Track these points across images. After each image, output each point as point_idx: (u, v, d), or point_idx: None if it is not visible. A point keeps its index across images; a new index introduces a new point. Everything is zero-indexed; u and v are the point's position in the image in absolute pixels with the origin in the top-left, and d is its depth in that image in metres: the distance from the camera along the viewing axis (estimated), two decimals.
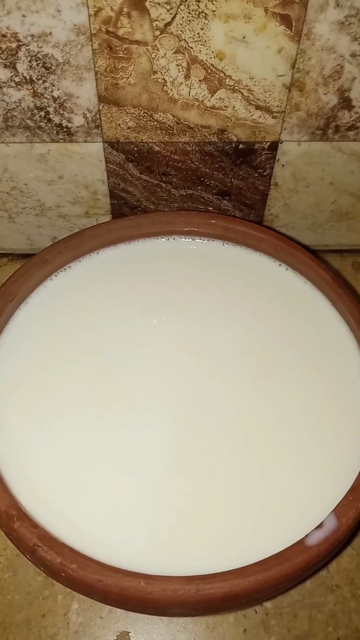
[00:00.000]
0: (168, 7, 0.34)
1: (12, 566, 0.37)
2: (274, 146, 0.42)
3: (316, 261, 0.40)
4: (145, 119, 0.40)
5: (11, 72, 0.37)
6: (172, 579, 0.28)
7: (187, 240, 0.44)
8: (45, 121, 0.40)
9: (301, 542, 0.29)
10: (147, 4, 0.34)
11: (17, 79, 0.37)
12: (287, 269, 0.42)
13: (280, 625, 0.36)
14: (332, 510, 0.30)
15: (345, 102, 0.40)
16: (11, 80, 0.37)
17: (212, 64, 0.37)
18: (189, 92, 0.39)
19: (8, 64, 0.37)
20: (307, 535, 0.29)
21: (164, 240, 0.43)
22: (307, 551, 0.29)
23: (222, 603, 0.29)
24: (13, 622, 0.36)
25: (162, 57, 0.37)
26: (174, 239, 0.44)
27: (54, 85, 0.38)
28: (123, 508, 0.33)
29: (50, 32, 0.35)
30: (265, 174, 0.44)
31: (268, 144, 0.42)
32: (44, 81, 0.38)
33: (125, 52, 0.36)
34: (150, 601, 0.28)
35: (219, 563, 0.29)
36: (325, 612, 0.36)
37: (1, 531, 0.38)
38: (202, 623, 0.36)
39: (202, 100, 0.39)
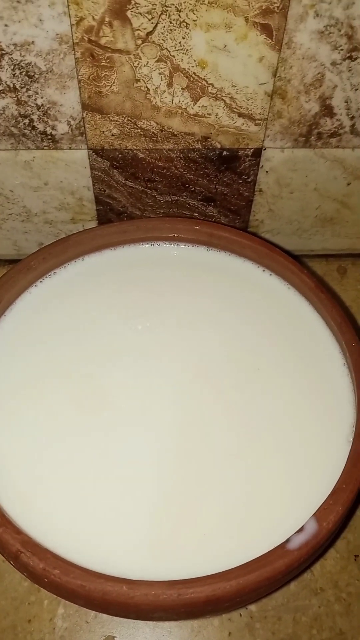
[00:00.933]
0: (149, 17, 0.35)
1: None
2: (258, 153, 0.43)
3: (299, 267, 0.40)
4: (129, 127, 0.40)
5: None
6: (154, 584, 0.28)
7: (171, 246, 0.44)
8: (30, 129, 0.40)
9: (282, 546, 0.30)
10: (129, 13, 0.34)
11: (0, 88, 0.38)
12: (270, 274, 0.42)
13: (264, 628, 0.36)
14: (313, 514, 0.31)
15: (327, 110, 0.40)
16: None
17: (194, 72, 0.37)
18: (172, 100, 0.39)
19: None
20: (287, 539, 0.30)
21: (147, 246, 0.43)
22: (288, 555, 0.29)
23: (204, 607, 0.29)
24: None
25: (144, 66, 0.37)
26: (158, 244, 0.44)
27: (37, 94, 0.38)
28: (107, 513, 0.33)
29: (33, 41, 0.35)
30: (249, 180, 0.45)
31: (252, 150, 0.42)
32: (28, 89, 0.38)
33: (107, 60, 0.37)
34: (133, 606, 0.28)
35: (202, 567, 0.30)
36: (310, 615, 0.37)
37: None
38: (187, 627, 0.36)
39: (185, 108, 0.39)
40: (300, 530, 0.30)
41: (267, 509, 0.33)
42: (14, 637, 0.36)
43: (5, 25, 0.35)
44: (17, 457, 0.34)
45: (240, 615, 0.36)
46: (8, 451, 0.34)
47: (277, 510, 0.33)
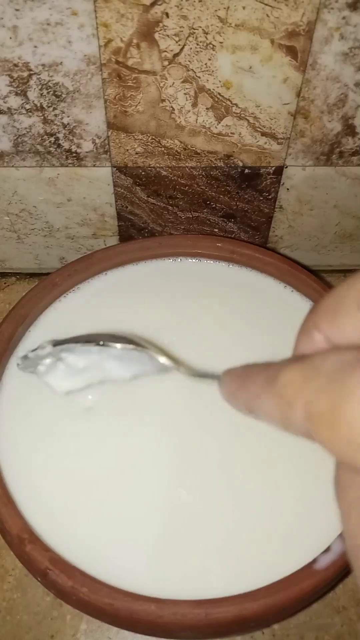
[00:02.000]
0: (177, 39, 0.35)
1: (20, 586, 0.38)
2: (279, 171, 0.43)
3: (322, 285, 0.41)
4: (153, 145, 0.41)
5: (22, 99, 0.38)
6: (182, 603, 0.28)
7: (193, 261, 0.44)
8: (55, 146, 0.41)
9: (309, 566, 0.30)
10: (157, 35, 0.35)
11: (27, 106, 0.38)
12: (292, 290, 0.42)
13: None
14: (339, 534, 0.31)
15: (349, 129, 0.40)
16: (22, 107, 0.38)
17: (219, 93, 0.38)
18: (196, 120, 0.39)
19: (19, 92, 0.37)
20: (314, 560, 0.30)
21: (170, 260, 0.44)
22: (315, 575, 0.29)
23: (231, 626, 0.29)
24: None
25: (170, 86, 0.37)
26: (179, 260, 0.45)
27: (64, 112, 0.39)
28: (132, 533, 0.33)
29: (61, 62, 0.36)
30: (270, 197, 0.45)
31: (273, 168, 0.43)
32: (54, 108, 0.38)
33: (134, 81, 0.37)
34: (161, 625, 0.28)
35: (228, 587, 0.30)
36: (332, 633, 0.37)
37: (9, 552, 0.39)
38: None
39: (209, 127, 0.40)
40: (327, 550, 0.30)
41: (292, 529, 0.33)
42: None
43: (35, 47, 0.35)
44: (45, 477, 0.34)
45: (263, 633, 0.36)
46: (35, 471, 0.34)
47: (302, 530, 0.33)
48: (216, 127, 0.40)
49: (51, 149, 0.41)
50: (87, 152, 0.41)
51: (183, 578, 0.31)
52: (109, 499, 0.34)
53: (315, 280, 0.41)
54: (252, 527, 0.33)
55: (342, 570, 0.30)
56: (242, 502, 0.34)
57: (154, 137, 0.40)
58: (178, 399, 0.38)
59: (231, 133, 0.40)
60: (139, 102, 0.38)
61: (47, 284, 0.40)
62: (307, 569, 0.29)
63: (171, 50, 0.36)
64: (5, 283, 0.52)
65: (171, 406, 0.38)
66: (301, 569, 0.29)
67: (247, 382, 0.19)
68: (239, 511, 0.34)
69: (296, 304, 0.42)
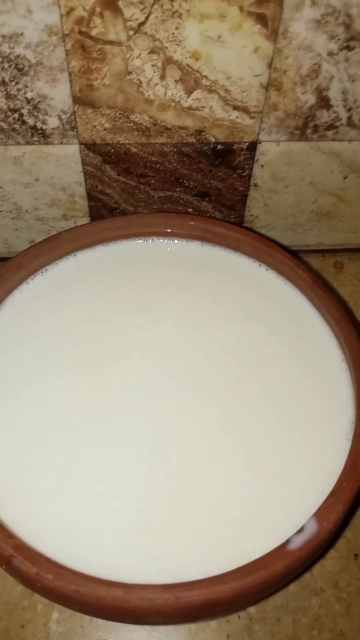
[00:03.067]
0: (141, 7, 0.34)
1: None
2: (253, 146, 0.42)
3: (296, 262, 0.40)
4: (121, 120, 0.40)
5: None
6: (150, 587, 0.28)
7: (165, 241, 0.43)
8: (20, 123, 0.39)
9: (281, 547, 0.29)
10: (120, 3, 0.33)
11: None
12: (267, 269, 0.42)
13: (264, 630, 0.35)
14: (313, 514, 0.30)
15: (324, 102, 0.39)
16: None
17: (187, 64, 0.37)
18: (165, 93, 0.38)
19: None
20: (287, 540, 0.29)
21: (141, 241, 0.43)
22: (288, 556, 0.29)
23: (202, 611, 0.28)
24: None
25: (136, 58, 0.36)
26: (151, 240, 0.43)
27: (27, 87, 0.37)
28: (102, 516, 0.32)
29: (22, 33, 0.35)
30: (244, 174, 0.44)
31: (246, 144, 0.42)
32: (17, 83, 0.37)
33: (99, 52, 0.36)
34: (129, 610, 0.28)
35: (199, 570, 0.29)
36: (310, 616, 0.36)
37: None
38: (185, 630, 0.35)
39: (179, 101, 0.39)
40: (301, 530, 0.29)
41: (266, 509, 0.32)
42: None
43: None
44: (9, 462, 0.33)
45: (239, 617, 0.36)
46: (1, 456, 0.33)
47: (276, 510, 0.32)
48: (186, 101, 0.39)
49: (15, 125, 0.39)
50: (53, 128, 0.40)
51: (150, 562, 0.30)
52: (77, 485, 0.33)
53: (291, 258, 0.40)
54: (225, 509, 0.32)
55: (315, 551, 0.29)
56: (216, 483, 0.33)
57: (121, 112, 0.39)
58: (155, 381, 0.37)
59: (202, 107, 0.39)
60: (105, 75, 0.37)
61: (12, 265, 0.39)
62: (279, 550, 0.29)
63: (136, 19, 0.34)
64: None
65: (148, 389, 0.37)
66: (273, 550, 0.29)
67: None
68: (212, 493, 0.33)
69: (271, 282, 0.41)
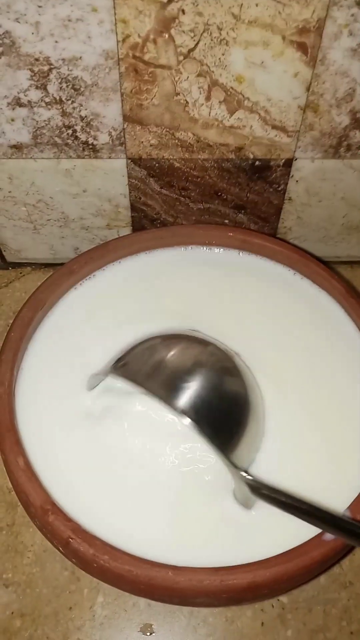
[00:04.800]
0: (192, 35, 0.36)
1: (39, 561, 0.39)
2: (289, 163, 0.44)
3: (329, 272, 0.42)
4: (167, 137, 0.42)
5: (42, 93, 0.39)
6: (199, 570, 0.30)
7: (204, 249, 0.46)
8: (73, 138, 0.42)
9: (318, 537, 0.31)
10: (173, 31, 0.36)
11: (47, 100, 0.40)
12: (302, 277, 0.44)
13: (296, 619, 0.38)
14: (348, 507, 0.32)
15: (357, 123, 0.42)
16: (42, 100, 0.40)
17: (231, 87, 0.39)
18: (209, 113, 0.41)
19: (39, 85, 0.39)
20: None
21: (182, 249, 0.45)
22: (324, 545, 0.31)
23: (245, 593, 0.30)
24: (42, 614, 0.37)
25: (184, 80, 0.39)
26: (191, 248, 0.46)
27: (82, 105, 0.40)
28: (147, 504, 0.34)
29: (81, 57, 0.37)
30: (279, 189, 0.46)
31: (283, 161, 0.44)
32: (73, 102, 0.40)
33: (150, 75, 0.39)
34: (177, 590, 0.30)
35: (242, 557, 0.31)
36: (339, 607, 0.38)
37: (28, 529, 0.40)
38: (222, 617, 0.38)
39: (222, 120, 0.41)
40: None
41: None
42: (56, 623, 0.37)
43: (56, 42, 0.37)
44: (64, 452, 0.36)
45: (273, 606, 0.38)
46: (57, 446, 0.36)
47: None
48: (228, 120, 0.41)
49: (69, 141, 0.42)
50: (103, 144, 0.43)
51: (198, 549, 0.33)
52: (125, 476, 0.35)
53: (324, 268, 0.42)
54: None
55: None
56: None
57: (168, 129, 0.42)
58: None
59: (243, 126, 0.42)
60: (154, 96, 0.40)
61: (65, 271, 0.42)
62: (317, 539, 0.31)
63: (186, 46, 0.37)
64: (20, 273, 0.54)
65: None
66: (311, 540, 0.31)
67: None
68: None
69: (306, 290, 0.44)
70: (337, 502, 0.33)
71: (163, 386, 0.33)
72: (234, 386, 0.36)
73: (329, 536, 0.31)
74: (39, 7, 0.35)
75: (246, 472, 0.33)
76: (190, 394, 0.33)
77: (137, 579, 0.30)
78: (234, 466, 0.32)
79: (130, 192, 0.46)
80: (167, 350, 0.36)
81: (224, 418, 0.34)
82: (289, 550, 0.31)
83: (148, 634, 0.37)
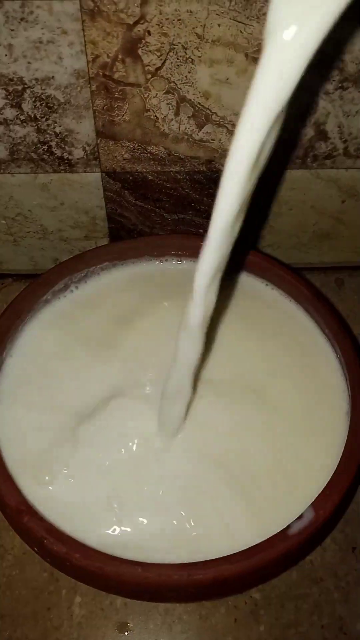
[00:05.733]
0: (158, 54, 0.38)
1: (19, 563, 0.40)
2: None
3: (296, 278, 0.44)
4: (139, 152, 0.44)
5: (17, 111, 0.41)
6: (166, 566, 0.31)
7: (178, 262, 0.47)
8: (48, 154, 0.44)
9: (282, 532, 0.32)
10: (140, 51, 0.38)
11: (22, 117, 0.41)
12: (273, 288, 0.45)
13: (268, 614, 0.39)
14: (311, 504, 0.33)
15: (322, 134, 0.43)
16: (17, 118, 0.41)
17: (199, 102, 0.41)
18: (179, 127, 0.42)
19: (14, 104, 0.41)
20: (288, 526, 0.33)
21: (157, 262, 0.47)
22: (288, 539, 0.32)
23: (211, 588, 0.32)
24: (21, 614, 0.38)
25: (153, 97, 0.40)
26: (166, 259, 0.48)
27: (56, 122, 0.42)
28: (119, 500, 0.36)
29: (53, 77, 0.39)
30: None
31: None
32: (47, 119, 0.42)
33: (120, 93, 0.40)
34: (146, 586, 0.31)
35: (212, 553, 0.32)
36: (311, 602, 0.39)
37: (8, 532, 0.41)
38: (196, 614, 0.39)
39: (191, 134, 0.43)
40: (300, 517, 0.33)
41: (270, 500, 0.36)
42: (35, 623, 0.38)
43: (29, 63, 0.38)
44: (41, 455, 0.37)
45: (246, 602, 0.39)
46: (35, 449, 0.37)
47: (278, 501, 0.36)
48: (197, 134, 0.43)
49: (44, 156, 0.44)
50: (78, 159, 0.44)
51: (170, 544, 0.34)
52: (97, 477, 0.37)
53: (291, 274, 0.44)
54: (233, 501, 0.36)
55: (312, 536, 0.33)
56: (224, 478, 0.37)
57: (140, 144, 0.43)
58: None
59: (212, 139, 0.43)
60: (125, 112, 0.41)
61: (41, 281, 0.43)
62: (281, 534, 0.32)
63: (154, 65, 0.39)
64: (2, 284, 0.55)
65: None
66: (275, 535, 0.32)
67: None
68: (220, 487, 0.36)
69: (275, 299, 0.45)
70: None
71: None
72: None
73: (292, 531, 0.32)
74: (11, 30, 0.36)
75: None
76: None
77: (107, 575, 0.31)
78: None
79: (106, 205, 0.48)
80: None
81: None
82: (253, 545, 0.32)
83: (125, 632, 0.38)
